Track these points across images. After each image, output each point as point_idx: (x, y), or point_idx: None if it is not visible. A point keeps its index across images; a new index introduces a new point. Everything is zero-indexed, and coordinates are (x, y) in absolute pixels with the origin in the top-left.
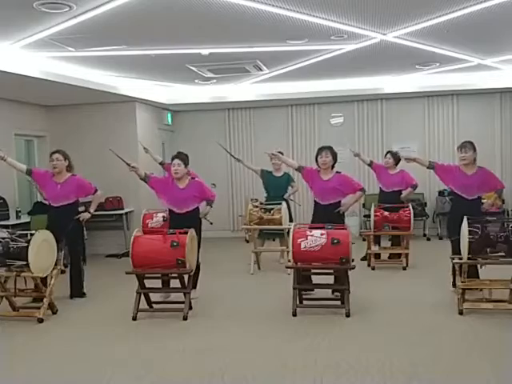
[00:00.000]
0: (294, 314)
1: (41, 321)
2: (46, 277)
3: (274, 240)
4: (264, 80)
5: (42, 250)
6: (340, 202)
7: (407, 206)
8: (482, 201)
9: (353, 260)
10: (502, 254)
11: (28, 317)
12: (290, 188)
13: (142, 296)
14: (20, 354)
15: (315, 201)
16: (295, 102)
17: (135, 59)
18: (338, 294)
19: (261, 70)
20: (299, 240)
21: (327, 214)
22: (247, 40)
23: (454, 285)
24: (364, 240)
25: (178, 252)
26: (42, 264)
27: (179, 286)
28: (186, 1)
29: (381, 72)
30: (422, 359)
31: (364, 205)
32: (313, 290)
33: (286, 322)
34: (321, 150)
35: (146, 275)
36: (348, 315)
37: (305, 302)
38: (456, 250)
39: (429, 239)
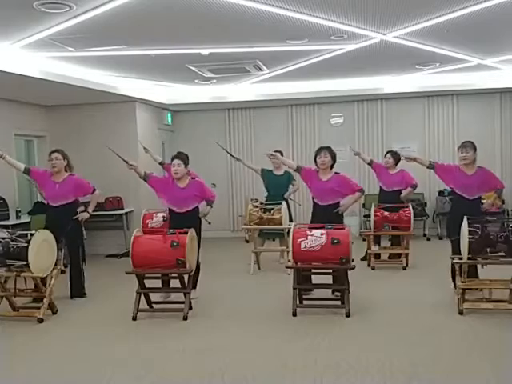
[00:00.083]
0: (294, 314)
1: (41, 321)
2: (46, 277)
3: (273, 240)
4: (264, 80)
5: (42, 249)
6: (339, 202)
7: (407, 206)
8: (482, 201)
9: (353, 260)
10: (502, 253)
11: (28, 317)
12: (290, 186)
13: (142, 296)
14: (20, 354)
15: (314, 202)
16: (295, 102)
17: (135, 59)
18: (338, 293)
19: (261, 69)
20: (299, 240)
21: (326, 215)
22: (247, 40)
23: (455, 285)
24: (364, 240)
25: (177, 252)
26: (42, 264)
27: (179, 285)
28: (186, 1)
29: (381, 72)
30: (421, 359)
31: (364, 205)
32: (311, 291)
33: (286, 322)
34: (319, 150)
35: (146, 275)
36: (348, 315)
37: (305, 302)
38: (456, 250)
39: (429, 239)
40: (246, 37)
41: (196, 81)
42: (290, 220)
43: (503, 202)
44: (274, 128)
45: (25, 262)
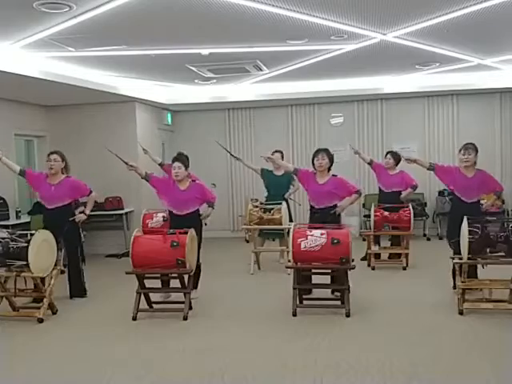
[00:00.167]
0: (294, 314)
1: (41, 321)
2: (45, 276)
3: (273, 240)
4: (264, 80)
5: (42, 249)
6: (336, 205)
7: (407, 206)
8: (482, 201)
9: (353, 260)
10: (502, 253)
11: (28, 317)
12: (291, 187)
13: (142, 296)
14: (20, 354)
15: (311, 205)
16: (295, 102)
17: (135, 59)
18: (338, 293)
19: (261, 70)
20: (299, 240)
21: (323, 217)
22: (247, 40)
23: (455, 287)
24: (364, 240)
25: (177, 252)
26: (42, 264)
27: (179, 285)
28: (186, 1)
29: (381, 72)
30: (422, 359)
31: (364, 205)
32: (310, 292)
33: (286, 322)
34: (317, 152)
35: (146, 275)
36: (348, 315)
37: (305, 302)
38: (456, 251)
39: (429, 239)
40: (246, 37)
41: (196, 81)
42: (290, 220)
43: (503, 202)
44: (274, 128)
45: (25, 262)
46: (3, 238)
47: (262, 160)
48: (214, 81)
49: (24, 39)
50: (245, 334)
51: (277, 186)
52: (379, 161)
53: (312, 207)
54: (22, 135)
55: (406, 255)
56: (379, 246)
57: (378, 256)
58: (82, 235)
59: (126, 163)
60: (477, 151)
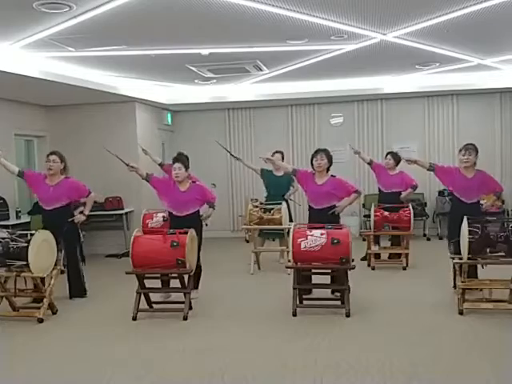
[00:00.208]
0: (294, 314)
1: (41, 321)
2: (45, 277)
3: (273, 240)
4: (264, 80)
5: (42, 250)
6: (334, 205)
7: (407, 206)
8: (482, 201)
9: (353, 260)
10: (502, 253)
11: (28, 317)
12: (291, 188)
13: (142, 296)
14: (20, 354)
15: (309, 206)
16: (295, 102)
17: (135, 59)
18: (338, 294)
19: (261, 70)
20: (299, 240)
21: (321, 218)
22: (247, 40)
23: (455, 286)
24: (364, 240)
25: (177, 252)
26: (42, 264)
27: (179, 285)
28: (186, 1)
29: (381, 72)
30: (422, 359)
31: (364, 205)
32: (310, 292)
33: (286, 322)
34: (316, 152)
35: (146, 275)
36: (348, 315)
37: (305, 302)
38: (457, 251)
39: (429, 239)
40: (246, 37)
41: (196, 81)
42: (290, 220)
43: (503, 202)
44: (273, 128)
45: (25, 262)
46: (3, 238)
47: (262, 160)
48: (214, 81)
49: (24, 39)
50: (245, 334)
51: (277, 187)
52: (379, 161)
53: (311, 207)
54: (21, 135)
55: (406, 255)
56: (379, 246)
57: (378, 256)
58: (82, 235)
59: (127, 164)
60: (477, 152)
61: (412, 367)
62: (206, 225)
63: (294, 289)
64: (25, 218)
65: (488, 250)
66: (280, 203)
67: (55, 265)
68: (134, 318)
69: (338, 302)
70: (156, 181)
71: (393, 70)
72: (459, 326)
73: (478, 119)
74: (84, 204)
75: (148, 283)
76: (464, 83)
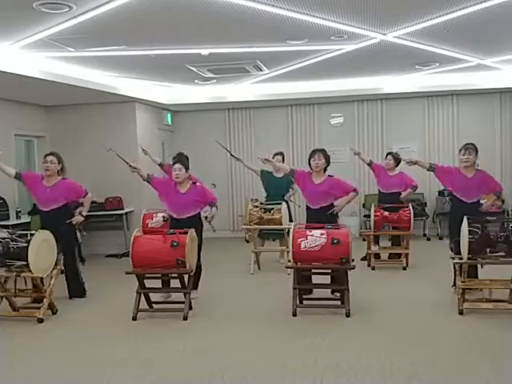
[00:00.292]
0: (294, 314)
1: (41, 321)
2: (45, 277)
3: (273, 240)
4: (264, 80)
5: (42, 250)
6: (332, 204)
7: (407, 206)
8: (481, 202)
9: (353, 260)
10: (502, 253)
11: (28, 317)
12: (290, 190)
13: (142, 296)
14: (20, 354)
15: (307, 206)
16: (295, 102)
17: (135, 59)
18: (338, 294)
19: (261, 70)
20: (299, 240)
21: (319, 218)
22: (247, 40)
23: (455, 284)
24: (364, 240)
25: (177, 252)
26: (42, 264)
27: (179, 285)
28: (186, 1)
29: (381, 72)
30: (422, 359)
31: (364, 205)
32: (310, 293)
33: (286, 322)
34: (313, 152)
35: (146, 275)
36: (348, 315)
37: (305, 302)
38: (457, 251)
39: (429, 239)
40: (246, 37)
41: (196, 81)
42: (290, 220)
43: (503, 202)
44: (273, 128)
45: (25, 262)
46: (3, 238)
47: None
48: (214, 81)
49: (24, 39)
50: (245, 334)
51: (276, 188)
52: (379, 161)
53: (308, 207)
54: (21, 135)
55: (406, 255)
56: (379, 246)
57: (377, 256)
58: (79, 235)
59: (130, 165)
60: (477, 151)
61: (412, 367)
62: (214, 231)
63: (294, 289)
64: (25, 218)
65: (488, 250)
66: (280, 203)
67: (55, 265)
68: (134, 318)
69: (338, 302)
70: (157, 182)
71: (393, 70)
72: (459, 326)
73: (477, 119)
74: (83, 204)
75: (148, 283)
76: (464, 83)
